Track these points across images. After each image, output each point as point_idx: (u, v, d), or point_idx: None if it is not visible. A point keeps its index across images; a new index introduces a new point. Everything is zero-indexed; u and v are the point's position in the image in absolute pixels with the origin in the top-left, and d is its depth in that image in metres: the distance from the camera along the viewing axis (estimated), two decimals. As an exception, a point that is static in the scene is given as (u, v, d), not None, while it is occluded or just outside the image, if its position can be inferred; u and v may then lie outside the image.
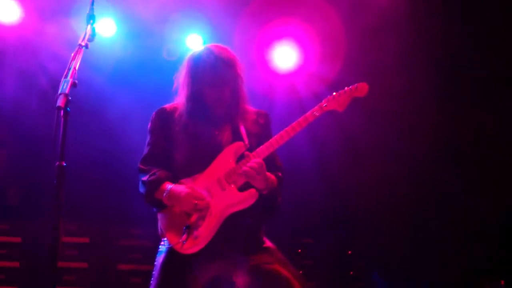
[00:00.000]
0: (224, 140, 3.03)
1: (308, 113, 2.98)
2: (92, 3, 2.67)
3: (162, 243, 3.01)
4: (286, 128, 2.95)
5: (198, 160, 2.98)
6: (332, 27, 5.89)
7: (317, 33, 6.05)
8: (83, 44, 2.55)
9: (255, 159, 2.87)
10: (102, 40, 5.55)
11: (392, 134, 6.14)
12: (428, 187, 6.23)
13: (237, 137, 3.03)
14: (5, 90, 5.58)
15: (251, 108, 3.14)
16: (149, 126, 3.13)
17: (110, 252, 5.80)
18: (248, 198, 2.89)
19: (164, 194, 2.89)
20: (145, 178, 2.96)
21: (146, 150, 3.08)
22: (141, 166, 3.03)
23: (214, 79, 3.00)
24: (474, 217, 5.98)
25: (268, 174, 2.93)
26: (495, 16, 5.68)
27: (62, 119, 2.28)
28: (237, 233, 2.92)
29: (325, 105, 3.00)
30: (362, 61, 5.84)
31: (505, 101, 5.86)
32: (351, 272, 6.23)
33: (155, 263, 2.99)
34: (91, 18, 2.65)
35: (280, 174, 3.06)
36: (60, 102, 2.29)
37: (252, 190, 2.89)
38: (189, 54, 3.16)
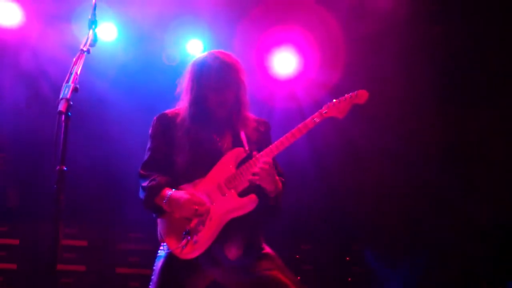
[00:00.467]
0: (225, 146, 3.04)
1: (308, 120, 2.99)
2: (94, 8, 2.69)
3: (161, 247, 3.02)
4: (286, 135, 2.96)
5: (199, 165, 2.99)
6: (331, 33, 5.90)
7: (317, 39, 6.06)
8: (84, 49, 2.56)
9: (264, 159, 2.88)
10: (103, 44, 5.56)
11: (392, 137, 6.15)
12: (428, 190, 6.23)
13: (237, 143, 3.05)
14: (6, 94, 5.59)
15: (251, 115, 3.15)
16: (150, 131, 3.13)
17: (108, 255, 5.80)
18: (248, 204, 2.90)
19: (164, 200, 2.90)
20: (145, 184, 2.97)
21: (146, 155, 3.09)
22: (142, 172, 3.04)
23: (219, 83, 3.02)
24: (475, 220, 5.98)
25: (276, 177, 2.94)
26: (496, 17, 5.69)
27: (63, 123, 2.29)
28: (236, 238, 2.93)
29: (325, 112, 3.01)
30: (362, 67, 5.85)
31: (506, 103, 5.87)
32: (349, 279, 6.23)
33: (154, 267, 2.99)
34: (93, 23, 2.67)
35: (283, 179, 3.07)
36: (61, 106, 2.30)
37: (252, 196, 2.91)
38: (193, 59, 3.18)
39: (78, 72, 2.45)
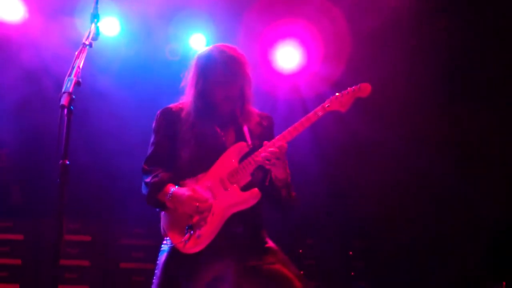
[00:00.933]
0: (228, 141, 3.04)
1: (311, 113, 2.98)
2: (97, 2, 2.67)
3: (164, 242, 3.02)
4: (289, 128, 2.95)
5: (202, 159, 2.98)
6: (336, 28, 5.88)
7: (321, 33, 6.04)
8: (87, 43, 2.55)
9: (277, 142, 2.87)
10: (106, 39, 5.55)
11: (395, 134, 6.13)
12: (431, 186, 6.22)
13: (240, 137, 3.04)
14: (8, 88, 5.59)
15: (255, 109, 3.14)
16: (153, 125, 3.12)
17: (112, 250, 5.81)
18: (251, 198, 2.90)
19: (167, 197, 2.89)
20: (148, 179, 2.96)
21: (150, 150, 3.08)
22: (145, 167, 3.03)
23: (225, 76, 3.00)
24: (477, 218, 5.97)
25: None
26: (499, 15, 5.66)
27: (66, 117, 2.28)
28: (239, 233, 2.93)
29: (328, 106, 2.99)
30: (366, 61, 5.83)
31: (510, 102, 5.84)
32: (352, 273, 6.23)
33: (157, 262, 2.99)
34: (95, 17, 2.65)
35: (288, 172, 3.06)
36: (64, 100, 2.29)
37: (255, 190, 2.90)
38: (198, 53, 3.16)
39: (81, 66, 2.44)
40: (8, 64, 5.58)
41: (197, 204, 2.85)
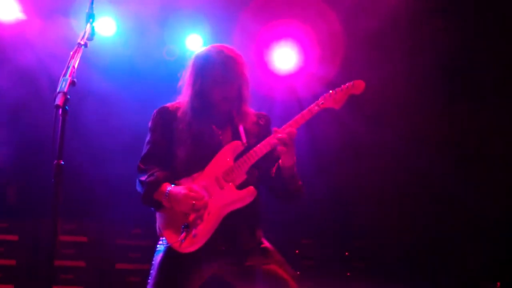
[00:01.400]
0: (225, 140, 3.04)
1: (305, 111, 2.99)
2: (92, 2, 2.67)
3: (160, 242, 3.01)
4: (283, 127, 2.95)
5: (199, 159, 2.98)
6: (332, 29, 5.88)
7: (317, 34, 6.04)
8: (82, 42, 2.54)
9: (287, 128, 2.88)
10: (102, 39, 5.54)
11: (393, 134, 6.13)
12: (431, 189, 6.21)
13: (236, 137, 3.04)
14: (3, 88, 5.57)
15: (251, 110, 3.14)
16: (149, 124, 3.11)
17: (108, 251, 5.79)
18: (246, 196, 2.90)
19: (164, 195, 2.88)
20: (143, 178, 2.95)
21: (146, 149, 3.07)
22: (140, 165, 3.02)
23: (223, 76, 3.00)
24: (473, 218, 5.97)
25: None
26: (499, 15, 5.66)
27: (61, 117, 2.27)
28: (235, 232, 2.93)
29: (322, 103, 3.01)
30: (363, 62, 5.83)
31: (510, 102, 5.84)
32: (348, 273, 6.22)
33: (153, 262, 2.98)
34: (90, 17, 2.64)
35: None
36: (59, 100, 2.27)
37: (251, 188, 2.90)
38: (196, 53, 3.16)
39: (76, 66, 2.43)
40: (3, 64, 5.56)
41: (193, 202, 2.84)
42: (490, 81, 5.91)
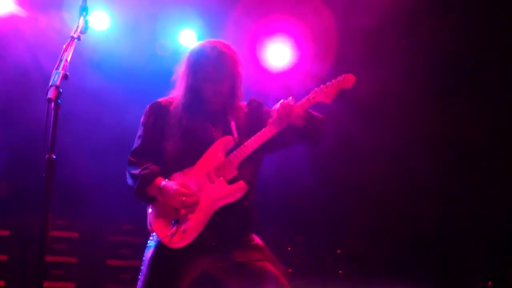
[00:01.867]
0: (217, 135, 3.03)
1: (297, 105, 2.99)
2: (85, -4, 2.65)
3: (150, 238, 3.00)
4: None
5: (191, 153, 2.98)
6: (326, 25, 5.86)
7: (311, 30, 6.02)
8: (75, 36, 2.53)
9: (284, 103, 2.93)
10: (96, 34, 5.51)
11: (389, 133, 6.12)
12: (431, 189, 6.22)
13: (228, 132, 3.04)
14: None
15: (243, 103, 3.14)
16: (142, 119, 3.11)
17: (99, 247, 5.78)
18: (237, 191, 2.91)
19: (158, 190, 2.88)
20: (136, 171, 2.94)
21: (137, 142, 3.06)
22: (131, 159, 3.01)
23: (216, 73, 3.01)
24: (477, 218, 5.97)
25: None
26: (499, 15, 5.66)
27: (53, 111, 2.25)
28: (226, 228, 2.92)
29: (313, 98, 3.04)
30: (357, 59, 5.81)
31: (508, 100, 5.85)
32: (340, 271, 6.23)
33: (144, 258, 2.97)
34: (83, 10, 2.64)
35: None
36: (51, 94, 2.26)
37: (241, 183, 2.91)
38: (191, 48, 3.16)
39: (68, 59, 2.42)
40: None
41: (183, 198, 2.83)
42: (490, 81, 5.91)
